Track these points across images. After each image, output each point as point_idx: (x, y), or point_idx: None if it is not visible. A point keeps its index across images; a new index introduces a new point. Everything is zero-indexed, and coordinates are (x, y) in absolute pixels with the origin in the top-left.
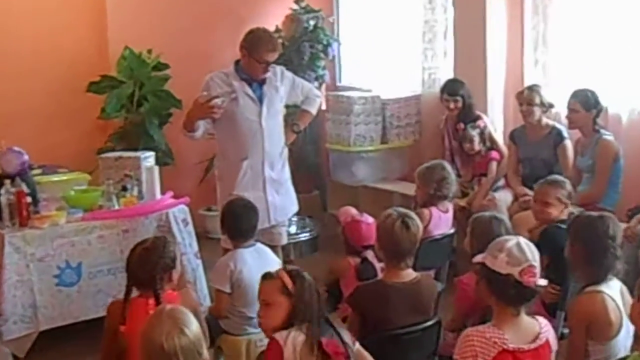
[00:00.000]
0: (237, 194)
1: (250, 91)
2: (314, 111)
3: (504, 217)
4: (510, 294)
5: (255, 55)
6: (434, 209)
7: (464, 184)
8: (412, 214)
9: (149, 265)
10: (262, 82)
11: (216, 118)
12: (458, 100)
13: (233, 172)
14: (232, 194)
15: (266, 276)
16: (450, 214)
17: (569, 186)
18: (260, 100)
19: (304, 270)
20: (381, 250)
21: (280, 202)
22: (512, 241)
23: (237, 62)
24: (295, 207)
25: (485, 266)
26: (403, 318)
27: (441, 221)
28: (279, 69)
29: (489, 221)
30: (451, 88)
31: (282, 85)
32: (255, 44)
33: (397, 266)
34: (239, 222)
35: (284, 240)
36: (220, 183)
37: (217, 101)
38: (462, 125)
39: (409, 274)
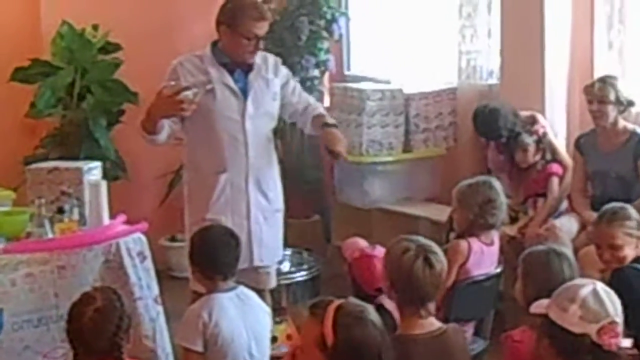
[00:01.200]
0: (211, 217)
1: (231, 81)
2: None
3: (568, 251)
4: (585, 359)
5: (239, 28)
6: (474, 241)
7: (513, 206)
8: (434, 247)
9: (108, 332)
10: (248, 70)
11: (186, 116)
12: (502, 139)
13: (206, 189)
14: (205, 218)
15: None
16: (495, 248)
17: (634, 213)
18: (245, 93)
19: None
20: (394, 292)
21: (268, 235)
22: (587, 288)
23: (214, 44)
24: (280, 251)
25: (549, 320)
26: None
27: (484, 257)
28: (271, 58)
29: (547, 257)
30: (486, 130)
31: (276, 77)
32: (237, 14)
33: (417, 313)
34: (216, 256)
35: (273, 283)
36: (189, 204)
37: (188, 94)
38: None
39: (432, 324)
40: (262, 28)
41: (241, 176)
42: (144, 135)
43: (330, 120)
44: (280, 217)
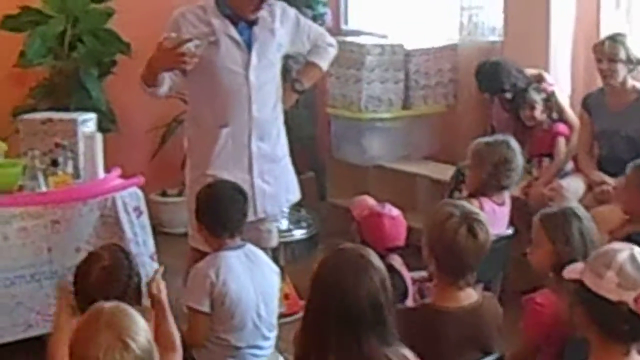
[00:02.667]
0: (212, 173)
1: (235, 33)
2: (324, 65)
3: (584, 211)
4: (622, 328)
5: None
6: (486, 201)
7: None
8: (480, 215)
9: (116, 290)
10: (253, 23)
11: (188, 69)
12: (506, 95)
13: (208, 144)
14: (206, 173)
15: None
16: (507, 209)
17: None
18: (249, 45)
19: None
20: (433, 260)
21: (272, 187)
22: (624, 253)
23: None
24: (295, 196)
25: (583, 287)
26: (458, 354)
27: (495, 217)
28: (278, 5)
29: (566, 219)
30: (488, 84)
31: (282, 27)
32: None
33: (455, 284)
34: (223, 212)
35: (275, 241)
36: (190, 159)
37: (190, 46)
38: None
39: (469, 296)
40: None
41: (244, 130)
42: (144, 87)
43: (300, 87)
44: (286, 163)
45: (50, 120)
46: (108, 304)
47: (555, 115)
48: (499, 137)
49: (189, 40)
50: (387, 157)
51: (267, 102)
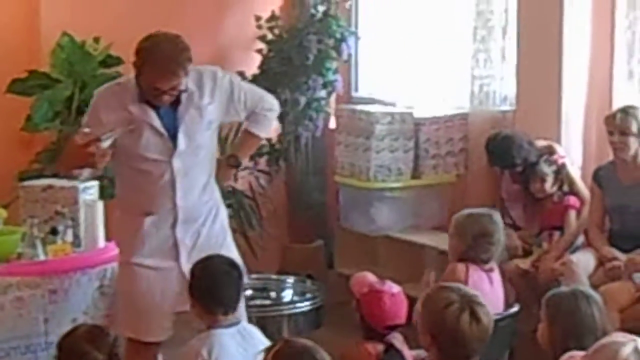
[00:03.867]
0: (137, 261)
1: (156, 121)
2: (263, 134)
3: (594, 293)
4: None
5: (141, 76)
6: (473, 267)
7: (527, 239)
8: (479, 297)
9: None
10: (176, 103)
11: (98, 168)
12: (516, 169)
13: (132, 232)
14: (131, 262)
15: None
16: (496, 276)
17: None
18: (173, 132)
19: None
20: (435, 348)
21: None
22: (628, 347)
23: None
24: None
25: None
26: None
27: (483, 284)
28: (208, 73)
29: (575, 301)
30: (499, 158)
31: (213, 101)
32: (142, 60)
33: None
34: (217, 289)
35: None
36: (117, 244)
37: (103, 144)
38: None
39: None
40: (168, 84)
41: (168, 218)
42: (60, 172)
43: (234, 162)
44: (226, 245)
45: (51, 187)
46: None
47: (566, 188)
48: (483, 209)
49: (98, 139)
50: (396, 227)
51: (193, 187)
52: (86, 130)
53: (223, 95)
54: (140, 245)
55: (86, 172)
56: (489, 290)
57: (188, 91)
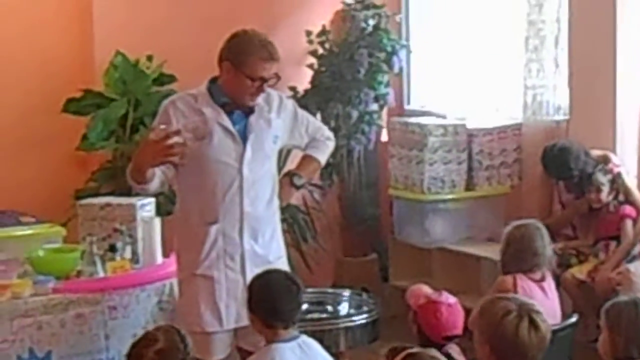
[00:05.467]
0: (202, 274)
1: (229, 123)
2: (323, 159)
3: None
4: None
5: (244, 67)
6: (520, 278)
7: (582, 249)
8: (536, 305)
9: None
10: (249, 112)
11: (178, 163)
12: (573, 180)
13: (196, 243)
14: (196, 274)
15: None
16: (549, 286)
17: None
18: (244, 137)
19: None
20: (494, 356)
21: None
22: None
23: (212, 81)
24: None
25: None
26: None
27: (534, 294)
28: (275, 94)
29: (636, 309)
30: (556, 169)
31: (279, 118)
32: (243, 51)
33: None
34: (277, 303)
35: None
36: (178, 258)
37: (179, 139)
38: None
39: None
40: (269, 70)
41: (235, 226)
42: (133, 185)
43: (299, 182)
44: (282, 263)
45: (109, 205)
46: None
47: (621, 197)
48: (530, 221)
49: (178, 132)
50: (450, 239)
51: (260, 198)
52: (162, 126)
53: (288, 115)
54: (206, 256)
55: (157, 179)
56: (542, 300)
57: (257, 106)
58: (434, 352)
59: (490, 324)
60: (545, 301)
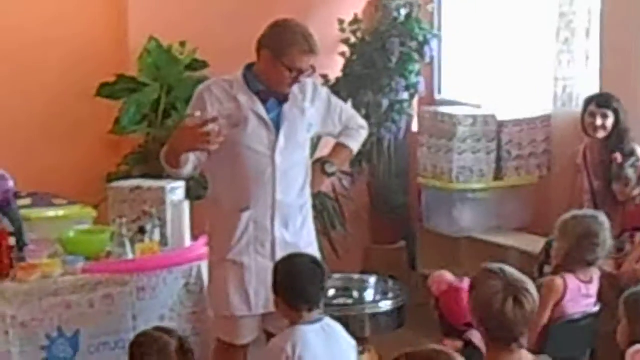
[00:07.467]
0: (232, 259)
1: (263, 111)
2: (355, 147)
3: None
4: None
5: (284, 57)
6: (570, 278)
7: None
8: (523, 282)
9: None
10: (283, 100)
11: (213, 150)
12: (609, 116)
13: (228, 229)
14: (226, 259)
15: None
16: (595, 286)
17: None
18: (277, 125)
19: None
20: (483, 328)
21: None
22: None
23: (248, 67)
24: None
25: None
26: None
27: (581, 295)
28: (310, 82)
29: None
30: (602, 99)
31: (313, 106)
32: (284, 42)
33: (508, 349)
34: (303, 285)
35: None
36: (211, 241)
37: (215, 127)
38: (618, 158)
39: (523, 356)
40: (307, 62)
41: (266, 214)
42: (167, 168)
43: (330, 169)
44: (312, 250)
45: (139, 188)
46: None
47: None
48: (589, 211)
49: (215, 119)
50: (478, 229)
51: (292, 186)
52: (197, 113)
53: (322, 104)
54: (237, 242)
55: (190, 163)
56: (584, 299)
57: (291, 94)
58: (434, 347)
59: (479, 301)
60: (584, 301)
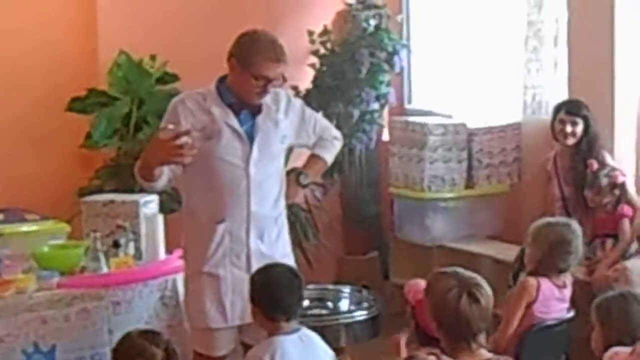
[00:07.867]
0: (208, 271)
1: (236, 123)
2: (329, 159)
3: None
4: None
5: (251, 66)
6: (544, 281)
7: None
8: (476, 278)
9: None
10: (256, 112)
11: (186, 163)
12: (579, 123)
13: (203, 241)
14: (202, 271)
15: None
16: (568, 291)
17: None
18: (251, 137)
19: None
20: (442, 330)
21: None
22: None
23: (221, 80)
24: None
25: None
26: None
27: (555, 299)
28: (283, 93)
29: (625, 303)
30: (571, 106)
31: (287, 118)
32: (251, 50)
33: (467, 348)
34: (280, 296)
35: None
36: (185, 254)
37: (188, 139)
38: (594, 165)
39: (482, 355)
40: (275, 71)
41: (241, 226)
42: (140, 182)
43: (305, 180)
44: (287, 262)
45: (112, 202)
46: None
47: (617, 194)
48: (562, 218)
49: (187, 132)
50: (450, 237)
51: (267, 198)
52: (170, 126)
53: (296, 115)
54: (212, 254)
55: (165, 176)
56: (558, 304)
57: (264, 105)
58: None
59: (435, 300)
60: (559, 305)
